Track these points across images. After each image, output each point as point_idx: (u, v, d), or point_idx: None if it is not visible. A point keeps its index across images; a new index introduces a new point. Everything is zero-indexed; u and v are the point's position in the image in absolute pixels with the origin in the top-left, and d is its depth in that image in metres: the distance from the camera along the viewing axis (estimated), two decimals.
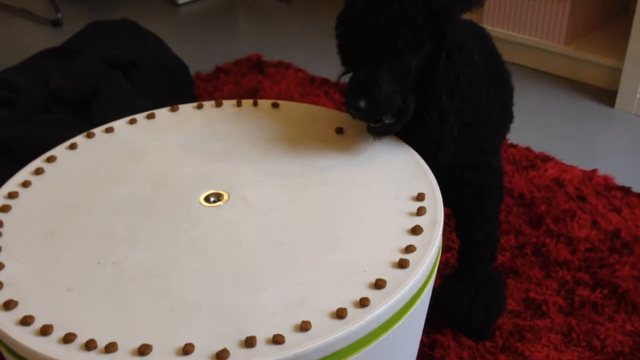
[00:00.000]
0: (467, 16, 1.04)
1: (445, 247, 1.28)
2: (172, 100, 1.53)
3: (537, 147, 1.57)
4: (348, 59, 0.83)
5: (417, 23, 0.76)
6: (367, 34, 0.77)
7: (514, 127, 1.73)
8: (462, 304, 1.06)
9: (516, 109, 1.87)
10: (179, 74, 1.67)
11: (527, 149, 1.57)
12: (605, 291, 1.17)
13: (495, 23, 2.02)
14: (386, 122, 0.82)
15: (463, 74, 0.81)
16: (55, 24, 2.37)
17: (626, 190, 1.42)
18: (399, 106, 0.80)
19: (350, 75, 0.82)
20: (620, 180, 1.46)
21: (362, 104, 0.76)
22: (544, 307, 1.14)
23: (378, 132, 0.83)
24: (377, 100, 0.77)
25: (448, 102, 0.80)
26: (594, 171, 1.48)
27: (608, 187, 1.43)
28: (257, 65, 2.01)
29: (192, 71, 1.84)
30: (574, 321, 1.11)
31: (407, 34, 0.76)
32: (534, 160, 1.52)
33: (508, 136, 1.63)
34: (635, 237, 1.29)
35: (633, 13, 1.68)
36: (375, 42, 0.77)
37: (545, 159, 1.53)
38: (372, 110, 0.78)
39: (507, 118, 1.05)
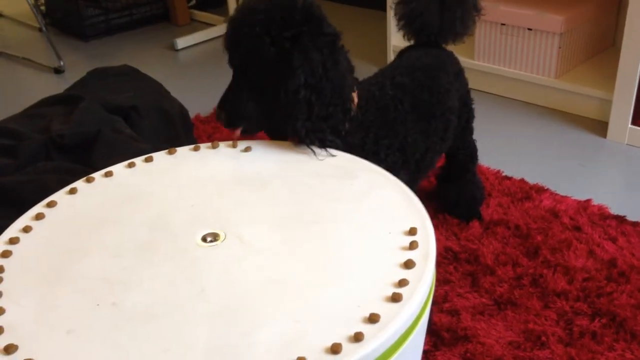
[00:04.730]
0: (458, 52, 1.19)
1: (443, 280, 1.29)
2: (172, 142, 1.56)
3: (532, 179, 1.59)
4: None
5: (263, 58, 0.94)
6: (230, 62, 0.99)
7: (508, 159, 1.76)
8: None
9: (510, 142, 1.90)
10: (179, 117, 1.71)
11: (522, 180, 1.59)
12: (604, 320, 1.17)
13: (486, 59, 2.06)
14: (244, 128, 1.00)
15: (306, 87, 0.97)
16: (58, 71, 2.43)
17: (621, 219, 1.44)
18: (249, 114, 0.99)
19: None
20: (614, 209, 1.47)
21: (222, 115, 0.99)
22: (543, 338, 1.14)
23: (246, 133, 1.02)
24: (229, 111, 0.99)
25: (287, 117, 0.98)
26: (588, 201, 1.50)
27: (603, 217, 1.44)
28: None
29: (192, 113, 1.87)
30: (573, 351, 1.11)
31: (252, 66, 0.96)
32: (529, 192, 1.54)
33: (502, 168, 1.66)
34: (632, 265, 1.29)
35: (620, 45, 1.72)
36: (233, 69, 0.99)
37: (540, 190, 1.55)
38: (229, 120, 0.99)
39: (430, 144, 1.18)
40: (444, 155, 1.43)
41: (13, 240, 0.82)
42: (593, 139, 1.81)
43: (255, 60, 0.95)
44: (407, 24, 1.28)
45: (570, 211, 1.46)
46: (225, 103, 0.99)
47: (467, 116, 1.33)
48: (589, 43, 2.05)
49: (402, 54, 1.29)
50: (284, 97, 0.95)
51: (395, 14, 1.30)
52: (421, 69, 1.17)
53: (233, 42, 0.96)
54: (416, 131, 1.12)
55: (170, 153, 1.00)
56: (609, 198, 1.52)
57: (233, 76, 0.99)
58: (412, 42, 1.32)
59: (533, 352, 1.12)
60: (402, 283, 0.72)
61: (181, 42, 2.62)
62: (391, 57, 2.22)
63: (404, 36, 1.31)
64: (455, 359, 1.11)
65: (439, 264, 1.31)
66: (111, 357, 0.65)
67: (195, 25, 2.87)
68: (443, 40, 1.28)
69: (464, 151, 1.38)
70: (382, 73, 1.16)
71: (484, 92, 2.07)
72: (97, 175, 0.95)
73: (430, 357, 1.12)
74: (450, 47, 1.32)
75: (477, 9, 1.29)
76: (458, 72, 1.27)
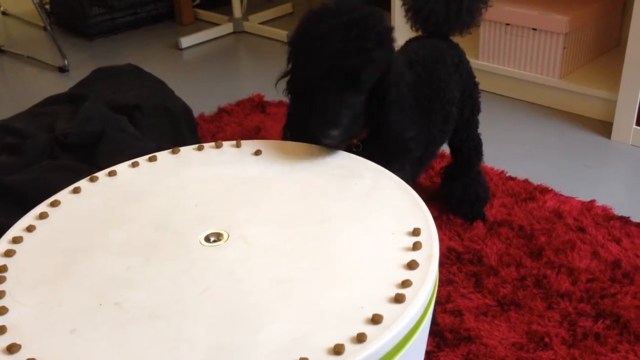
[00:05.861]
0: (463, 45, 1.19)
1: (447, 280, 1.29)
2: (176, 142, 1.57)
3: (536, 179, 1.59)
4: (300, 84, 0.98)
5: (378, 64, 0.93)
6: (330, 68, 0.91)
7: (512, 159, 1.76)
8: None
9: (514, 142, 1.90)
10: (183, 116, 1.71)
11: (526, 181, 1.59)
12: (608, 322, 1.17)
13: (490, 59, 2.06)
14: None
15: (408, 98, 1.03)
16: (62, 70, 2.44)
17: (625, 220, 1.43)
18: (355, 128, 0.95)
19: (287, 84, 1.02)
20: (618, 210, 1.47)
21: (335, 132, 0.91)
22: (546, 339, 1.14)
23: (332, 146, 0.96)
24: (345, 129, 0.92)
25: (401, 121, 1.01)
26: (592, 202, 1.49)
27: (607, 218, 1.44)
28: (259, 105, 2.05)
29: (196, 113, 1.88)
30: (577, 352, 1.11)
31: (370, 72, 0.93)
32: (533, 192, 1.53)
33: (506, 168, 1.66)
34: (636, 266, 1.29)
35: (625, 46, 1.71)
36: (337, 76, 0.91)
37: (544, 190, 1.54)
38: (341, 137, 0.92)
39: (431, 137, 1.21)
40: (449, 151, 1.43)
41: (16, 240, 0.82)
42: (597, 140, 1.80)
43: (375, 67, 0.93)
44: (415, 14, 1.28)
45: (575, 212, 1.46)
46: (342, 118, 0.90)
47: (472, 108, 1.33)
48: (593, 43, 2.04)
49: (404, 46, 1.30)
50: (388, 102, 0.97)
51: (403, 4, 1.30)
52: (418, 62, 1.18)
53: (351, 47, 0.89)
54: (418, 125, 1.12)
55: (174, 152, 1.00)
56: (613, 199, 1.52)
57: (333, 89, 0.91)
58: (419, 33, 1.32)
59: (536, 353, 1.12)
60: (406, 284, 0.72)
61: (185, 41, 2.62)
62: None
63: (411, 27, 1.31)
64: None
65: (442, 264, 1.31)
66: (114, 356, 0.65)
67: (199, 25, 2.87)
68: (449, 30, 1.28)
69: (468, 144, 1.38)
70: None
71: (488, 92, 2.07)
72: (101, 174, 0.95)
73: (433, 358, 1.12)
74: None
75: (483, 1, 1.29)
76: (459, 63, 1.26)
